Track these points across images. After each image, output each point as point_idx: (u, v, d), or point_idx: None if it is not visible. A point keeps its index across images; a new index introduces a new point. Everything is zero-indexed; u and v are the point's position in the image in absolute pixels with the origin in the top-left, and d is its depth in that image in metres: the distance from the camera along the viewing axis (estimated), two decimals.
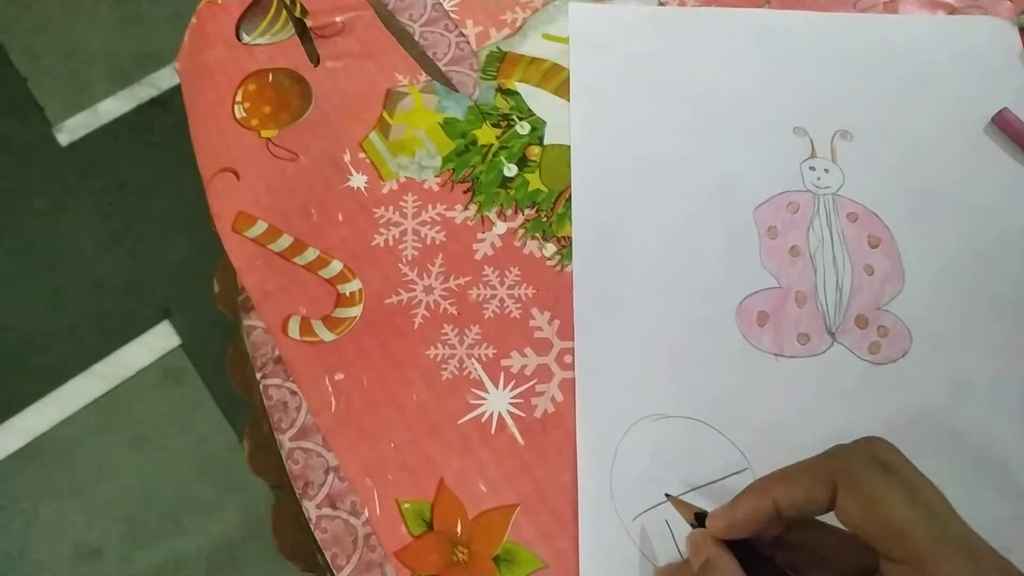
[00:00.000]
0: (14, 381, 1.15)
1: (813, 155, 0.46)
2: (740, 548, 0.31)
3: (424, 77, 0.48)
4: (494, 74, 0.48)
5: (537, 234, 0.44)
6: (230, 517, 1.07)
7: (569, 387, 0.40)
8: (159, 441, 1.11)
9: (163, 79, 1.36)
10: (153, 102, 1.35)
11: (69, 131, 1.33)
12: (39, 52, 1.40)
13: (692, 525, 0.33)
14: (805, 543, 0.31)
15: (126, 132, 1.33)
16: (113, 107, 1.35)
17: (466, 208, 0.44)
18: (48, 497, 1.09)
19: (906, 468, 0.28)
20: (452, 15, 0.50)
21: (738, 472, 0.38)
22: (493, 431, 0.39)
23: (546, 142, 0.46)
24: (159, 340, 1.16)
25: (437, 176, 0.45)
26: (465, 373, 0.40)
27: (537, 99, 0.48)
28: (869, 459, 0.28)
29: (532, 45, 0.49)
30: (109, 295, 1.20)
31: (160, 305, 1.18)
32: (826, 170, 0.46)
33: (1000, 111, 0.47)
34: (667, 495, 0.35)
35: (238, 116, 0.47)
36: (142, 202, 1.27)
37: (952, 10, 0.52)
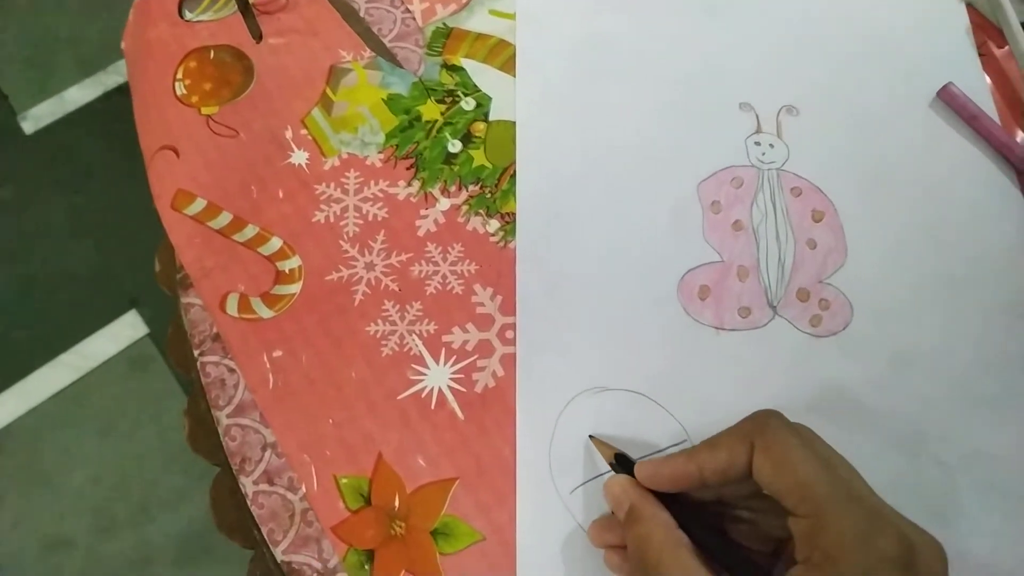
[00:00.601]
0: None
1: (758, 130, 0.46)
2: (668, 500, 0.31)
3: (368, 53, 0.48)
4: (440, 50, 0.48)
5: (481, 210, 0.44)
6: (200, 506, 1.07)
7: (510, 362, 0.40)
8: (127, 430, 1.10)
9: None
10: (119, 90, 1.34)
11: (34, 119, 1.31)
12: (3, 40, 1.38)
13: (612, 466, 0.34)
14: (733, 505, 0.32)
15: (92, 120, 1.32)
16: (79, 95, 1.33)
17: (409, 184, 0.44)
18: (15, 488, 1.08)
19: (821, 443, 0.30)
20: None
21: (677, 444, 0.38)
22: (433, 406, 0.39)
23: (491, 118, 0.46)
24: (126, 329, 1.15)
25: (380, 152, 0.45)
26: (406, 349, 0.40)
27: (483, 75, 0.47)
28: (784, 425, 0.29)
29: (479, 21, 0.49)
30: (75, 285, 1.19)
31: (127, 294, 1.17)
32: (771, 145, 0.46)
33: (945, 86, 0.47)
34: (591, 436, 0.36)
35: (178, 93, 0.46)
36: (108, 191, 1.26)
37: None
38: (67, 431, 1.11)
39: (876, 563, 0.25)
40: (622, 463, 0.34)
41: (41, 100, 1.33)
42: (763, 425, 0.29)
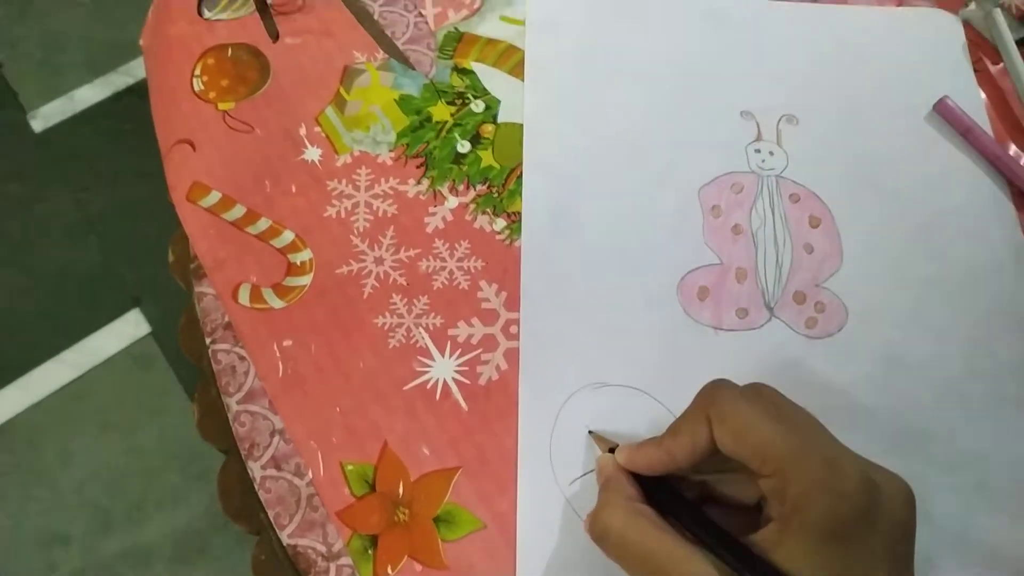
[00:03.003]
0: None
1: (759, 138, 0.48)
2: (652, 483, 0.33)
3: (382, 55, 0.49)
4: (451, 53, 0.49)
5: (488, 209, 0.45)
6: (198, 504, 1.07)
7: (514, 356, 0.41)
8: (127, 428, 1.11)
9: (139, 68, 1.36)
10: (129, 90, 1.35)
11: (44, 118, 1.33)
12: (15, 39, 1.40)
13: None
14: (713, 476, 0.33)
15: (101, 120, 1.33)
16: (88, 95, 1.35)
17: (419, 183, 0.45)
18: (15, 483, 1.08)
19: (778, 398, 0.31)
20: None
21: None
22: (438, 397, 0.40)
23: (500, 120, 0.47)
24: (129, 327, 1.16)
25: (391, 151, 0.46)
26: (412, 341, 0.41)
27: (492, 79, 0.49)
28: (732, 392, 0.31)
29: (489, 26, 0.50)
30: (80, 282, 1.20)
31: (130, 293, 1.18)
32: (771, 153, 0.47)
33: (941, 99, 0.49)
34: (590, 431, 0.38)
35: (196, 89, 0.47)
36: (115, 190, 1.27)
37: (900, 2, 0.53)
38: (67, 428, 1.11)
39: (838, 503, 0.26)
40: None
41: (51, 99, 1.34)
42: (714, 398, 0.30)
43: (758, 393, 0.31)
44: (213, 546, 1.05)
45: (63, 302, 1.19)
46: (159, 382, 1.13)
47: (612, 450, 0.35)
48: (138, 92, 1.35)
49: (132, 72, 1.36)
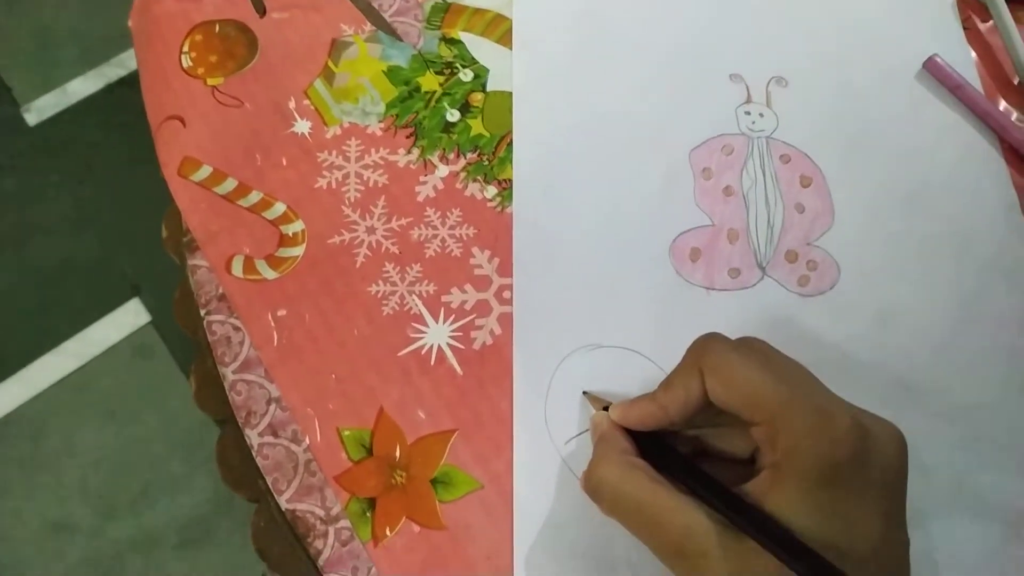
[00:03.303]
0: None
1: (748, 100, 0.48)
2: (646, 439, 0.33)
3: (369, 27, 0.49)
4: (438, 24, 0.49)
5: (479, 177, 0.45)
6: (201, 491, 1.08)
7: (507, 321, 0.41)
8: (129, 417, 1.12)
9: (131, 59, 1.36)
10: (122, 82, 1.35)
11: (38, 111, 1.33)
12: (7, 32, 1.39)
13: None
14: (707, 430, 0.33)
15: (95, 112, 1.33)
16: (82, 87, 1.35)
17: (409, 152, 0.45)
18: (19, 475, 1.09)
19: (769, 350, 0.31)
20: None
21: None
22: (433, 362, 0.40)
23: (488, 89, 0.47)
24: (129, 317, 1.16)
25: (380, 122, 0.46)
26: (406, 308, 0.41)
27: (480, 48, 0.49)
28: (724, 344, 0.31)
29: None
30: (78, 273, 1.20)
31: (130, 282, 1.18)
32: (761, 114, 0.47)
33: (930, 57, 0.48)
34: (584, 392, 0.38)
35: (185, 66, 0.47)
36: (111, 181, 1.27)
37: None
38: (70, 418, 1.12)
39: (829, 448, 0.27)
40: None
41: (44, 92, 1.34)
42: (705, 350, 0.31)
43: (749, 345, 0.31)
44: (218, 531, 1.06)
45: (62, 294, 1.19)
46: (160, 370, 1.13)
47: (606, 409, 0.36)
48: (130, 83, 1.35)
49: (125, 64, 1.36)
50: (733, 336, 0.32)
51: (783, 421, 0.28)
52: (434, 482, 0.37)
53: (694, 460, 0.32)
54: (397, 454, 0.38)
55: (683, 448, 0.34)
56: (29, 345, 1.15)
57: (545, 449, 0.38)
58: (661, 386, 0.33)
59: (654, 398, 0.32)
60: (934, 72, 0.49)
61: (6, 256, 1.21)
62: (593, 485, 0.32)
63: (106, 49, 1.37)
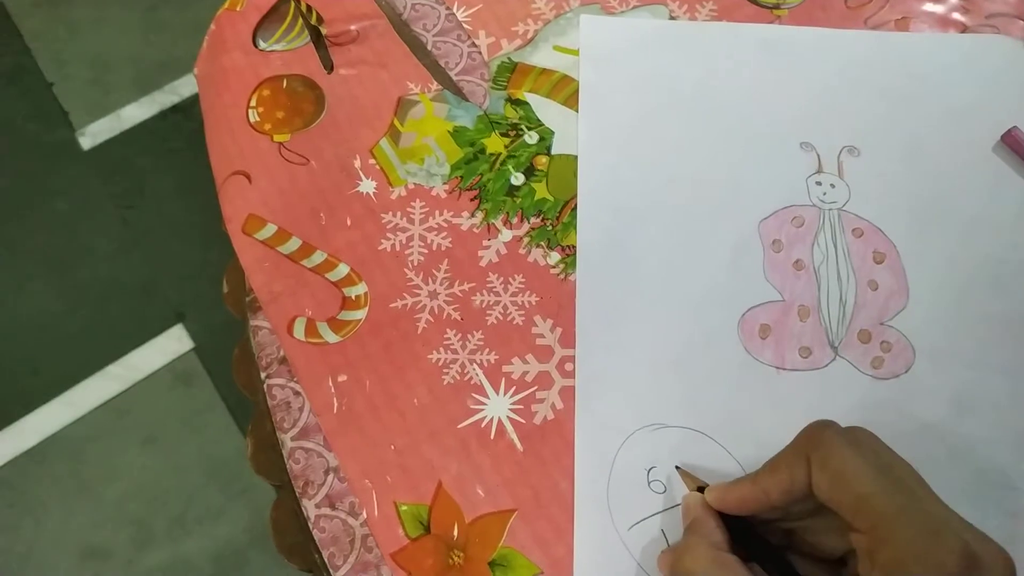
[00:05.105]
0: (29, 380, 1.16)
1: (820, 170, 0.47)
2: (737, 524, 0.32)
3: (435, 86, 0.49)
4: (504, 84, 0.49)
5: (542, 242, 0.44)
6: (237, 521, 1.08)
7: (569, 395, 0.40)
8: (169, 443, 1.12)
9: (185, 86, 1.38)
10: (175, 109, 1.37)
11: (92, 136, 1.35)
12: (66, 58, 1.43)
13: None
14: (800, 524, 0.32)
15: (147, 138, 1.35)
16: (135, 113, 1.37)
17: (472, 215, 0.45)
18: (57, 497, 1.10)
19: (880, 447, 0.29)
20: (465, 25, 0.51)
21: None
22: (492, 436, 0.39)
23: (554, 152, 0.47)
24: (172, 343, 1.17)
25: (445, 183, 0.46)
26: (466, 378, 0.41)
27: (546, 110, 0.48)
28: (839, 437, 0.29)
29: (543, 56, 0.50)
30: (125, 297, 1.22)
31: (174, 308, 1.20)
32: (832, 185, 0.46)
33: (1009, 130, 0.47)
34: (677, 467, 0.37)
35: (252, 120, 0.48)
36: (160, 206, 1.29)
37: (964, 28, 0.52)
38: (110, 442, 1.13)
39: (934, 575, 0.25)
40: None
41: (99, 117, 1.37)
42: (818, 439, 0.29)
43: (862, 442, 0.29)
44: (253, 563, 1.05)
45: (108, 317, 1.20)
46: (202, 398, 1.14)
47: (700, 489, 0.34)
48: (184, 111, 1.37)
49: (178, 91, 1.38)
50: (805, 423, 0.31)
51: (889, 534, 0.26)
52: (492, 564, 0.36)
53: (784, 553, 0.31)
54: (455, 533, 0.37)
55: (773, 539, 0.33)
56: (73, 367, 1.16)
57: (607, 534, 0.37)
58: (765, 467, 0.31)
59: (756, 480, 0.31)
60: (1012, 145, 0.47)
61: (55, 277, 1.23)
62: (680, 575, 0.31)
63: (160, 76, 1.39)
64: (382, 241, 0.44)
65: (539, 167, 0.46)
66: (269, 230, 0.44)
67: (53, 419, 1.14)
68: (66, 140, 1.35)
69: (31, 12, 1.47)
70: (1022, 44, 0.51)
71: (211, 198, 0.46)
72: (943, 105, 0.49)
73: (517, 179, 0.46)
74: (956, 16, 0.52)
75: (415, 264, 0.43)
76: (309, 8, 0.51)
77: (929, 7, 0.52)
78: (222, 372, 1.13)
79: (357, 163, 0.46)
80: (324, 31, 0.50)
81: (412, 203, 0.45)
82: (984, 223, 0.45)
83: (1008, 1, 0.53)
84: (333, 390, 0.40)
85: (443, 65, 0.50)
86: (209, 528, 1.07)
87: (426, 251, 0.44)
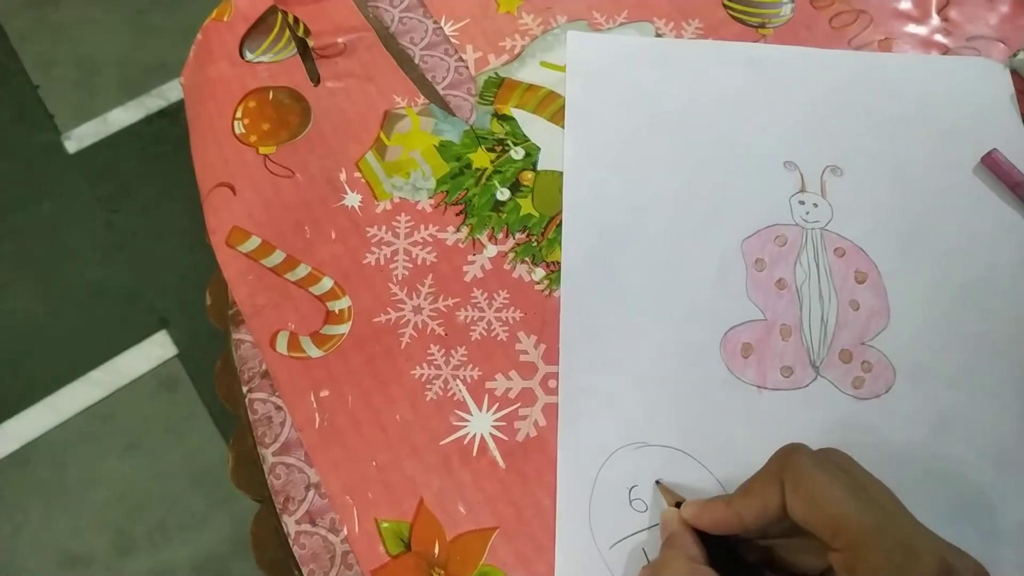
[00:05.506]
0: (10, 385, 1.15)
1: (803, 189, 0.47)
2: (715, 540, 0.32)
3: (422, 100, 0.49)
4: (491, 99, 0.49)
5: (527, 258, 0.44)
6: (219, 529, 1.07)
7: (552, 412, 0.40)
8: (151, 450, 1.11)
9: (171, 91, 1.38)
10: (161, 113, 1.36)
11: (77, 139, 1.35)
12: (52, 61, 1.42)
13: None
14: (778, 542, 0.32)
15: (133, 142, 1.34)
16: (122, 117, 1.37)
17: (458, 230, 0.45)
18: (37, 503, 1.09)
19: (852, 467, 0.30)
20: (452, 40, 0.51)
21: None
22: (475, 453, 0.39)
23: (539, 168, 0.47)
24: (156, 349, 1.16)
25: (431, 198, 0.46)
26: (449, 394, 0.41)
27: (532, 125, 0.48)
28: (809, 459, 0.30)
29: (530, 72, 0.50)
30: (109, 302, 1.21)
31: (159, 314, 1.19)
32: (815, 204, 0.46)
33: (990, 152, 0.48)
34: (657, 481, 0.37)
35: (237, 132, 0.47)
36: (145, 211, 1.28)
37: (946, 50, 0.53)
38: (92, 448, 1.12)
39: None
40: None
41: (85, 121, 1.36)
42: (789, 462, 0.30)
43: (835, 463, 0.30)
44: (235, 571, 1.04)
45: (92, 322, 1.19)
46: (185, 405, 1.13)
47: (678, 504, 0.35)
48: (170, 115, 1.36)
49: (165, 95, 1.37)
50: (785, 443, 0.31)
51: (865, 552, 0.27)
52: None
53: (762, 570, 0.32)
54: (436, 550, 0.37)
55: (752, 556, 0.33)
56: (56, 371, 1.15)
57: (589, 552, 0.37)
58: (739, 491, 0.32)
59: (730, 503, 0.32)
60: (992, 167, 0.48)
61: (39, 281, 1.22)
62: None
63: (147, 80, 1.39)
64: (367, 255, 0.44)
65: (525, 183, 0.47)
66: (253, 243, 0.44)
67: (35, 424, 1.13)
68: (51, 143, 1.34)
69: (18, 13, 1.46)
70: (1002, 66, 0.52)
71: (195, 204, 0.46)
72: (925, 126, 0.50)
73: (503, 194, 0.46)
74: (938, 38, 0.53)
75: (399, 279, 0.43)
76: (296, 20, 0.51)
77: (912, 28, 0.53)
78: (206, 379, 1.13)
79: (343, 176, 0.46)
80: (311, 43, 0.50)
81: (397, 217, 0.45)
82: (965, 244, 0.46)
83: (989, 23, 0.53)
84: (315, 405, 0.40)
85: (430, 79, 0.50)
86: (191, 536, 1.06)
87: (411, 265, 0.44)
